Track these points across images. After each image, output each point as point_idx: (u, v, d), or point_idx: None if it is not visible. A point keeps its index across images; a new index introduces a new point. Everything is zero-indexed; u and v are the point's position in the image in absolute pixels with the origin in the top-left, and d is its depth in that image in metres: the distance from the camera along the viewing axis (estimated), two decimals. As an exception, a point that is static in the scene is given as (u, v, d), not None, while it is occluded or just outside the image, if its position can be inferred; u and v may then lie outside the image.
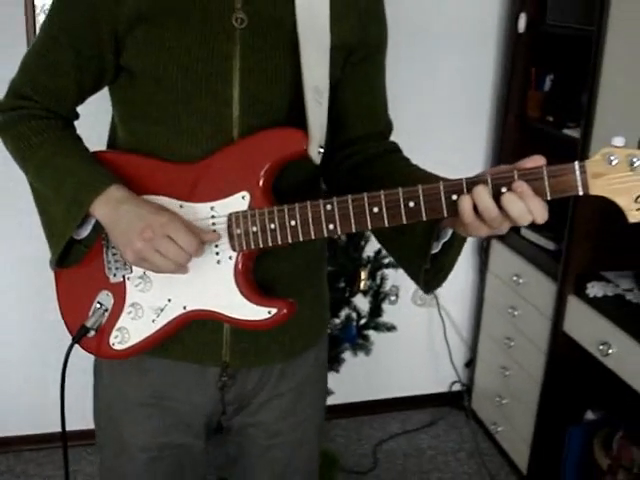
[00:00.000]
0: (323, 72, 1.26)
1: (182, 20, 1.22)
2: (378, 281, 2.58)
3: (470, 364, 3.30)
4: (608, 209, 2.54)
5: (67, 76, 1.30)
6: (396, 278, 2.66)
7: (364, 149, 1.39)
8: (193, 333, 1.35)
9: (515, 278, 2.84)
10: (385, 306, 2.76)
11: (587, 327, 2.43)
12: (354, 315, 2.60)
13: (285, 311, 1.24)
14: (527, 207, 1.06)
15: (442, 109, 2.97)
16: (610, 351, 2.29)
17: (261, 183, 1.22)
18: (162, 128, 1.28)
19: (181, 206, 1.26)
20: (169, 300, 1.29)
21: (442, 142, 2.94)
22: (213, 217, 1.24)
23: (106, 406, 1.49)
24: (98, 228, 1.30)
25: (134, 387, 1.43)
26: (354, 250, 2.47)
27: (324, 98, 1.26)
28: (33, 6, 2.55)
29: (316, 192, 1.40)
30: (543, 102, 2.81)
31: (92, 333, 1.34)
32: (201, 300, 1.27)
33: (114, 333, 1.33)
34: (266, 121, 1.26)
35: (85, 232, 1.31)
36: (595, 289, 2.44)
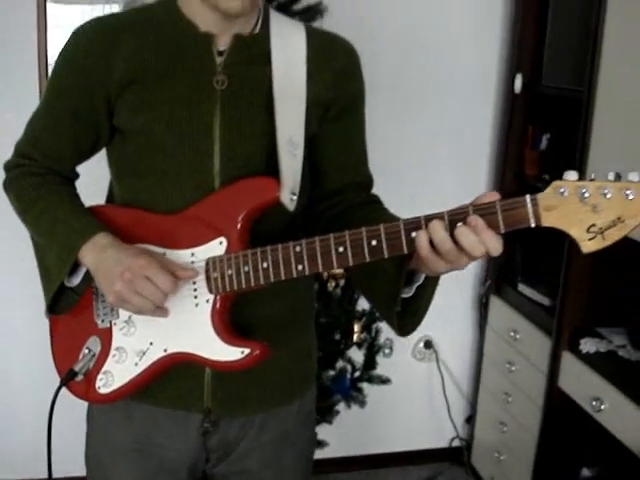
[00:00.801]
0: (298, 127, 1.34)
1: (168, 82, 1.33)
2: (373, 334, 2.61)
3: (470, 420, 3.30)
4: (601, 265, 2.56)
5: (66, 137, 1.41)
6: (390, 331, 2.68)
7: (344, 200, 1.45)
8: (176, 379, 1.39)
9: (512, 333, 2.86)
10: (383, 360, 2.79)
11: (580, 383, 2.44)
12: (349, 367, 2.63)
13: (258, 352, 1.28)
14: (479, 239, 1.09)
15: (440, 166, 3.04)
16: (602, 407, 2.30)
17: (238, 229, 1.29)
18: (150, 182, 1.37)
19: (164, 253, 1.32)
20: (151, 343, 1.34)
21: (440, 199, 2.95)
22: (193, 262, 1.31)
23: (95, 451, 1.53)
24: (88, 276, 1.36)
25: (120, 433, 1.47)
26: (348, 303, 2.51)
27: (299, 150, 1.34)
28: (46, 61, 2.66)
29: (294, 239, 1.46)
30: (540, 160, 2.87)
31: (80, 378, 1.39)
32: (180, 342, 1.32)
33: (99, 376, 1.38)
34: (245, 172, 1.33)
35: (76, 280, 1.39)
36: (588, 345, 2.45)
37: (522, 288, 2.85)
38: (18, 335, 2.85)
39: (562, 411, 2.58)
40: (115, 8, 2.73)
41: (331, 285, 2.50)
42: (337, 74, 1.40)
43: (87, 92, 1.36)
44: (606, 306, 2.53)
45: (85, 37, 1.36)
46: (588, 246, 1.06)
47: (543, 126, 2.88)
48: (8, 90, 2.65)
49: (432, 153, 3.04)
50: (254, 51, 1.36)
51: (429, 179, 3.02)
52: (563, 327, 2.53)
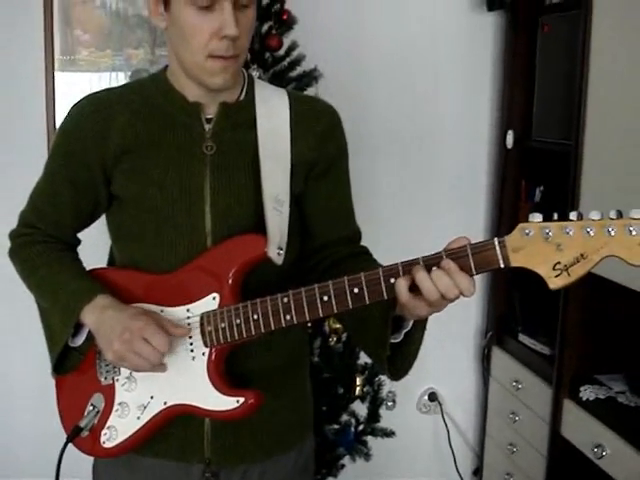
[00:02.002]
0: (284, 185, 1.42)
1: (159, 150, 1.42)
2: (375, 387, 2.64)
3: (478, 472, 3.30)
4: (597, 313, 2.57)
5: (66, 206, 1.50)
6: (393, 384, 2.72)
7: (333, 253, 1.52)
8: (176, 431, 1.45)
9: (514, 383, 2.89)
10: (388, 413, 2.81)
11: (582, 430, 2.45)
12: (352, 421, 2.66)
13: (252, 400, 1.34)
14: (453, 282, 1.16)
15: (437, 220, 3.10)
16: (604, 453, 2.31)
17: (229, 284, 1.36)
18: (146, 243, 1.45)
19: (162, 311, 1.40)
20: (151, 397, 1.40)
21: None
22: (189, 318, 1.38)
23: None
24: (91, 336, 1.43)
25: None
26: (349, 357, 2.55)
27: (285, 207, 1.41)
28: (54, 128, 2.77)
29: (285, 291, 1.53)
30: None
31: (86, 434, 1.45)
32: (178, 395, 1.38)
33: (104, 431, 1.44)
34: (236, 230, 1.40)
35: (80, 340, 1.46)
36: (588, 392, 2.47)
37: (522, 338, 2.88)
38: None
39: (566, 459, 2.59)
40: (121, 76, 2.85)
41: (333, 340, 2.55)
42: (319, 135, 1.48)
43: (85, 164, 1.45)
44: (604, 353, 2.56)
45: (81, 113, 1.46)
46: (555, 282, 1.12)
47: (536, 179, 2.95)
48: (18, 157, 2.76)
49: (429, 207, 3.13)
50: (240, 117, 1.45)
51: (426, 232, 3.06)
52: (563, 375, 2.55)
